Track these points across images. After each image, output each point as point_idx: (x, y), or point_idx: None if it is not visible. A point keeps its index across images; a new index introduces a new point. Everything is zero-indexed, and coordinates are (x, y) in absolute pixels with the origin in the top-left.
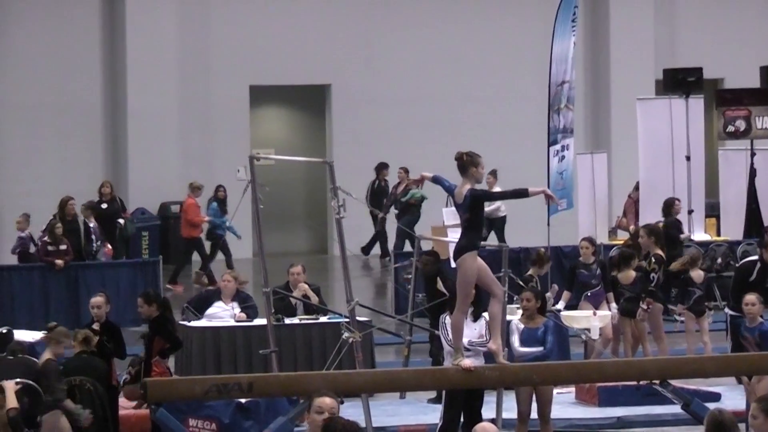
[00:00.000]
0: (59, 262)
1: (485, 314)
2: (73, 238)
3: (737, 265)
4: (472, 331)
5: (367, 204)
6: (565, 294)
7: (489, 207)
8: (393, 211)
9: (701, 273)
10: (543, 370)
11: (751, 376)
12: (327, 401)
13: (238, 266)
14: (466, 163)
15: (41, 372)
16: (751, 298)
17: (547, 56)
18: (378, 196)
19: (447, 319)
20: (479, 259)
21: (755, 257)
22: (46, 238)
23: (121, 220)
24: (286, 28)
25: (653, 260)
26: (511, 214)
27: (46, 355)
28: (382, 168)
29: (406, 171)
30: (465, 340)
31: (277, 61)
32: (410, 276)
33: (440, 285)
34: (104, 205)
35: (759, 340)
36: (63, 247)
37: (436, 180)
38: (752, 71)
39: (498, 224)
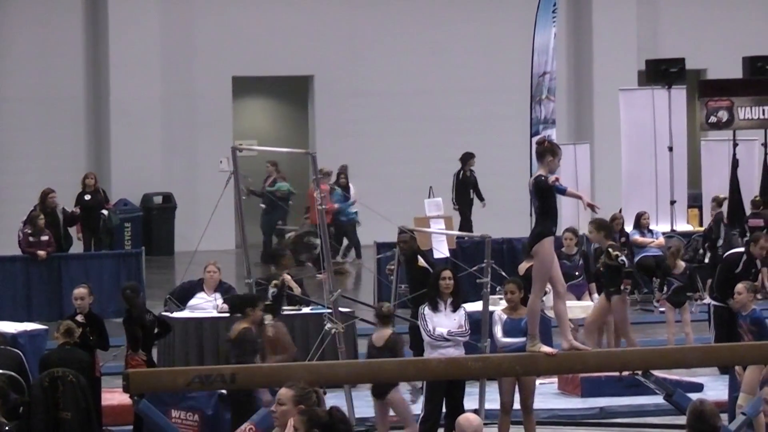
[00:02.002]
0: (41, 253)
1: (464, 305)
2: (54, 230)
3: (723, 256)
4: (452, 321)
5: (452, 197)
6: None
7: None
8: (261, 206)
9: (682, 264)
10: (526, 361)
11: (734, 366)
12: (283, 392)
13: (221, 257)
14: (545, 150)
15: (236, 340)
16: (739, 286)
17: (530, 47)
18: (464, 187)
19: (426, 310)
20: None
21: (741, 249)
22: (27, 230)
23: (105, 212)
24: (268, 19)
25: (611, 250)
26: (492, 205)
27: (243, 324)
28: (468, 158)
29: (274, 164)
30: (444, 331)
31: (260, 52)
32: (393, 267)
33: (421, 261)
34: (88, 197)
35: (752, 327)
36: (44, 238)
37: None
38: (735, 62)
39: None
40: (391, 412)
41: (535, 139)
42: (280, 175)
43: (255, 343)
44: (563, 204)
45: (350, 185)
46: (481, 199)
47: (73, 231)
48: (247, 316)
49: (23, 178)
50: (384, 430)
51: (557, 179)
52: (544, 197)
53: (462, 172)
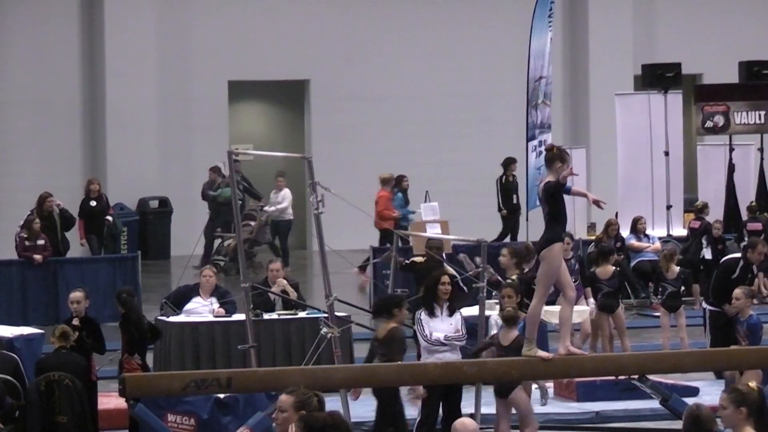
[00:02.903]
0: (37, 257)
1: (461, 310)
2: (50, 234)
3: (720, 262)
4: (449, 326)
5: (498, 202)
6: None
7: (272, 208)
8: (206, 211)
9: (676, 268)
10: (521, 366)
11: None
12: (283, 398)
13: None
14: (554, 156)
15: (384, 339)
16: (737, 292)
17: (525, 52)
18: (507, 192)
19: (423, 315)
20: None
21: (738, 254)
22: (23, 234)
23: (110, 217)
24: (264, 23)
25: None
26: (487, 209)
27: (392, 323)
28: (510, 163)
29: (217, 170)
30: (441, 335)
31: (256, 57)
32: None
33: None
34: (93, 203)
35: (747, 332)
36: (41, 242)
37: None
38: (731, 67)
39: (282, 228)
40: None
41: (543, 146)
42: (224, 181)
43: (403, 342)
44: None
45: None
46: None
47: (71, 235)
48: (394, 316)
49: (19, 182)
50: (506, 429)
51: (571, 171)
52: (554, 202)
53: (504, 177)
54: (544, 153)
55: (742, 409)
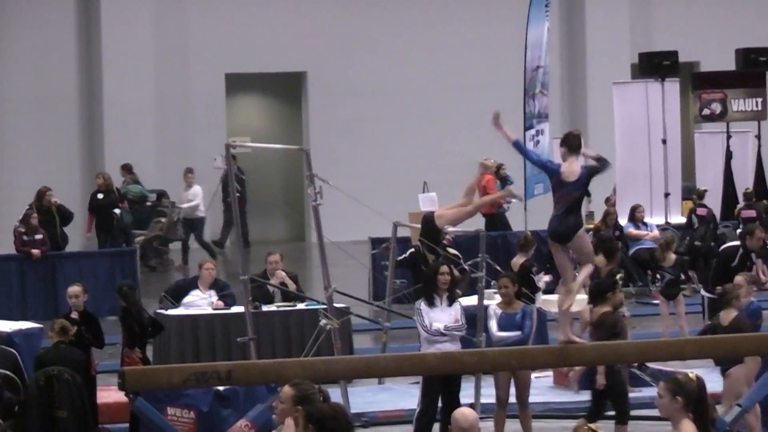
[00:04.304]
0: (35, 251)
1: (460, 300)
2: (49, 229)
3: (719, 249)
4: (448, 316)
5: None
6: (545, 277)
7: (185, 205)
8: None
9: (673, 256)
10: (521, 355)
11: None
12: (285, 390)
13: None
14: (579, 140)
15: (597, 323)
16: (738, 278)
17: (522, 42)
18: None
19: (422, 306)
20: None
21: (737, 242)
22: (21, 228)
23: (117, 211)
24: (261, 15)
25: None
26: None
27: (605, 308)
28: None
29: (128, 168)
30: (441, 326)
31: (253, 49)
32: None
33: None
34: (101, 196)
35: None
36: (39, 236)
37: (517, 146)
38: (728, 54)
39: (196, 225)
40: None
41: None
42: (133, 177)
43: (615, 326)
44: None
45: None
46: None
47: (73, 228)
48: (607, 300)
49: (18, 179)
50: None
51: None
52: (586, 188)
53: None
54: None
55: (678, 398)
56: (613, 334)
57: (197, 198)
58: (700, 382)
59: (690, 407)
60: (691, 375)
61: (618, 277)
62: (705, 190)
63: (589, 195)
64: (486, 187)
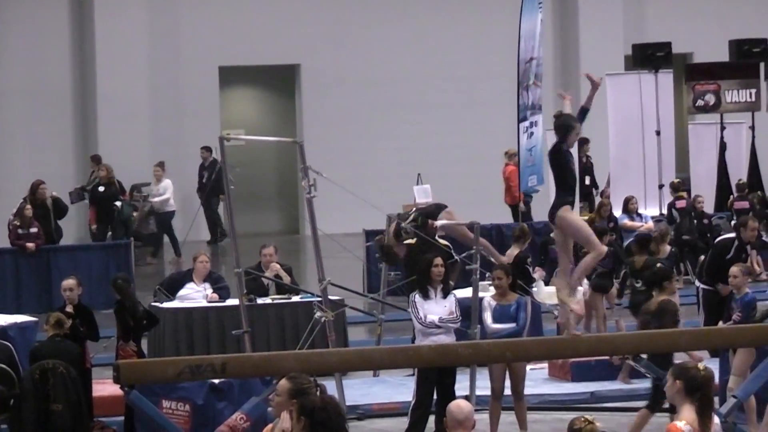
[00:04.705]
0: (30, 245)
1: (455, 292)
2: (44, 222)
3: (714, 242)
4: (443, 308)
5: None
6: (538, 270)
7: (156, 199)
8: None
9: (667, 248)
10: (516, 347)
11: (726, 349)
12: (282, 383)
13: (210, 247)
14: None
15: (656, 311)
16: (733, 270)
17: (516, 33)
18: (583, 173)
19: (417, 298)
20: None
21: (732, 234)
22: (16, 222)
23: (118, 203)
24: (254, 7)
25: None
26: (480, 191)
27: (663, 296)
28: (582, 144)
29: (97, 161)
30: (435, 318)
31: (246, 42)
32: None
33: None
34: (101, 188)
35: (741, 310)
36: (33, 230)
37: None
38: (721, 45)
39: (166, 219)
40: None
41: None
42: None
43: (674, 314)
44: (551, 189)
45: None
46: (596, 186)
47: (67, 221)
48: (665, 289)
49: (12, 171)
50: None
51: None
52: (557, 168)
53: (579, 159)
54: (554, 118)
55: (677, 382)
56: (674, 321)
57: (168, 192)
58: (707, 373)
59: (692, 394)
60: (700, 365)
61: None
62: (680, 182)
63: (596, 187)
64: (509, 180)
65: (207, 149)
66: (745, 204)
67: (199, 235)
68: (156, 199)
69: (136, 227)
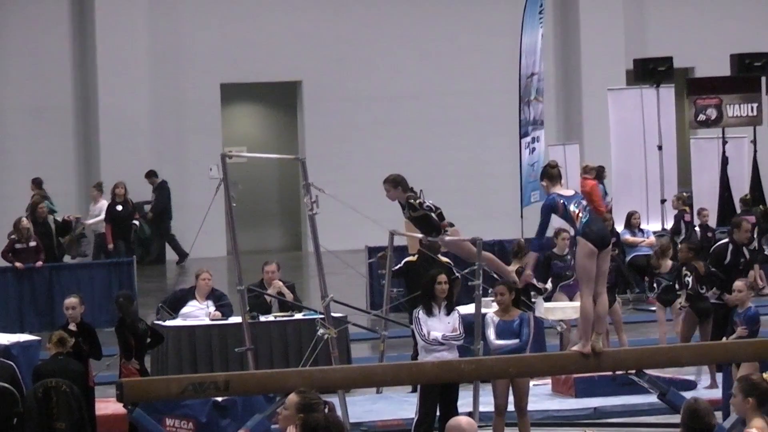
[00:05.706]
0: (19, 264)
1: (458, 308)
2: (44, 240)
3: (710, 251)
4: (446, 325)
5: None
6: (542, 285)
7: (90, 221)
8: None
9: (669, 262)
10: (519, 363)
11: (729, 364)
12: (291, 397)
13: (213, 264)
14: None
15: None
16: (738, 284)
17: (517, 49)
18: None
19: (420, 314)
20: None
21: (725, 240)
22: (14, 236)
23: (137, 222)
24: (256, 25)
25: (412, 201)
26: (482, 207)
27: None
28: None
29: (38, 184)
30: (439, 335)
31: (248, 59)
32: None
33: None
34: (119, 207)
35: (745, 324)
36: (32, 244)
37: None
38: (722, 59)
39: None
40: None
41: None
42: (41, 192)
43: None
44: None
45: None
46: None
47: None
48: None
49: (13, 188)
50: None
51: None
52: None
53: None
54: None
55: (749, 399)
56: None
57: (103, 213)
58: None
59: (762, 407)
60: (765, 375)
61: None
62: (688, 195)
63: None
64: (591, 194)
65: (153, 173)
66: (752, 218)
67: (200, 253)
68: (90, 221)
69: (67, 250)
